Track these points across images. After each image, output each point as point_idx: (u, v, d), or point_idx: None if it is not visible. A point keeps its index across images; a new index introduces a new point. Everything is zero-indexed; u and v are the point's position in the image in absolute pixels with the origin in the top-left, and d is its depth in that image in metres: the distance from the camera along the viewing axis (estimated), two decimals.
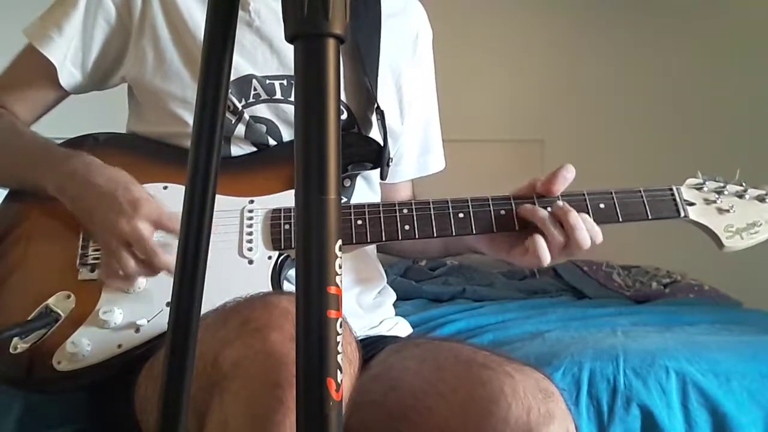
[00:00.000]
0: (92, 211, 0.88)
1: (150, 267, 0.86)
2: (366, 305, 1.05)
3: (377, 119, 1.03)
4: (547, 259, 0.89)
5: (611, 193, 0.94)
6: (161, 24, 0.98)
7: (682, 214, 0.95)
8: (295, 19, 0.41)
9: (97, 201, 0.87)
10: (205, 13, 1.01)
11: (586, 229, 0.89)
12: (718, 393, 1.23)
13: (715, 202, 0.96)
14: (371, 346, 0.95)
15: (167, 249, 0.85)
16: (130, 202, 0.85)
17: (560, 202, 0.91)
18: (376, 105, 1.02)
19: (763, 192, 0.97)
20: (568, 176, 0.93)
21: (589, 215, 0.92)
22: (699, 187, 0.97)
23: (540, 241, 0.89)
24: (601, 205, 0.93)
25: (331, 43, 0.41)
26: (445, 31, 1.40)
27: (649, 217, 0.93)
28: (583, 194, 0.94)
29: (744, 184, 0.98)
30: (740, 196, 0.97)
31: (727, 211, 0.95)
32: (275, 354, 0.66)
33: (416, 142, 1.17)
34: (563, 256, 0.91)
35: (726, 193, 0.97)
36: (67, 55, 1.00)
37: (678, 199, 0.95)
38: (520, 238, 0.94)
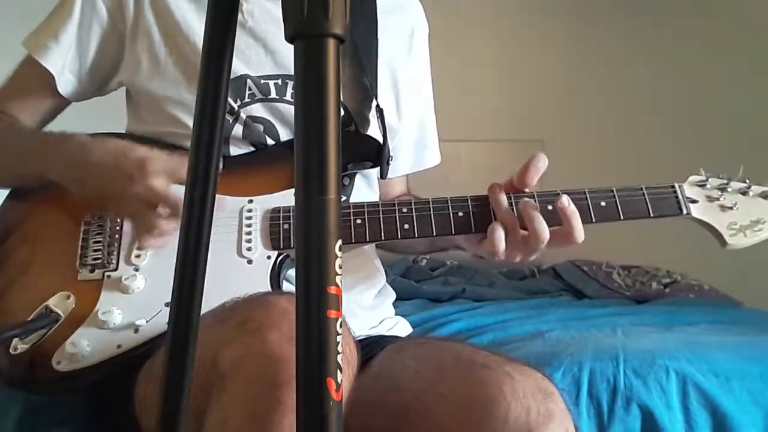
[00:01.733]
0: (100, 189, 0.88)
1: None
2: (366, 305, 1.05)
3: (377, 117, 1.03)
4: (501, 247, 0.87)
5: (612, 190, 0.92)
6: (154, 27, 0.99)
7: (685, 212, 0.93)
8: (295, 19, 0.41)
9: (101, 178, 0.87)
10: (198, 14, 1.02)
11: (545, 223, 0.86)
12: (718, 393, 1.23)
13: (718, 199, 0.94)
14: (371, 346, 0.95)
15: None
16: (135, 165, 0.85)
17: (525, 198, 0.89)
18: (375, 103, 1.02)
19: None
20: (539, 166, 0.90)
21: (590, 213, 0.91)
22: (702, 184, 0.95)
23: (497, 228, 0.88)
24: (602, 203, 0.91)
25: (331, 43, 0.41)
26: (445, 30, 1.40)
27: (651, 215, 0.92)
28: (584, 192, 0.92)
29: (748, 180, 0.96)
30: (744, 193, 0.95)
31: (731, 208, 0.94)
32: (273, 354, 0.66)
33: (412, 137, 1.17)
34: (528, 250, 0.89)
35: (729, 190, 0.95)
36: (65, 63, 1.00)
37: (680, 196, 0.94)
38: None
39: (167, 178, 0.86)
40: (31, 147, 0.97)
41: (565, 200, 0.87)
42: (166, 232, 0.88)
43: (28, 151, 0.97)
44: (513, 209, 0.89)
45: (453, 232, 0.92)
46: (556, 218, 0.88)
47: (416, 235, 0.92)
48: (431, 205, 0.93)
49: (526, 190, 0.91)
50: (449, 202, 0.93)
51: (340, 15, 0.41)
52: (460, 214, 0.92)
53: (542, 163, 0.90)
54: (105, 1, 0.99)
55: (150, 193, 0.85)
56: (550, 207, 0.89)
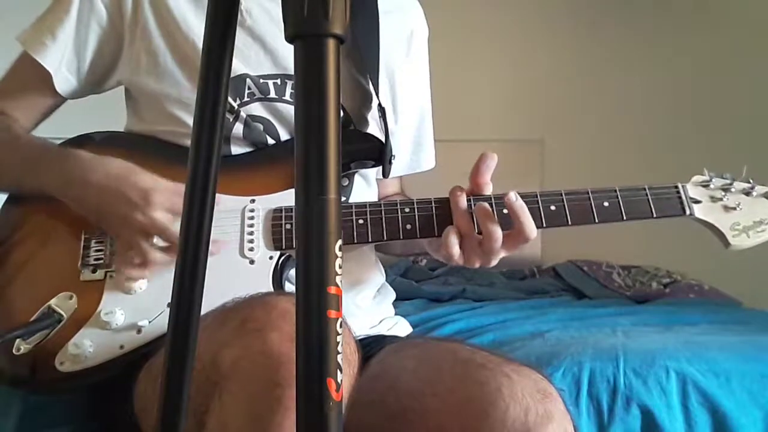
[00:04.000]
0: (99, 209, 0.88)
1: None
2: (365, 304, 1.05)
3: (379, 116, 1.03)
4: (454, 251, 0.87)
5: (615, 190, 0.92)
6: (153, 26, 0.98)
7: (688, 212, 0.93)
8: (295, 19, 0.41)
9: (101, 198, 0.87)
10: (197, 13, 1.02)
11: (500, 227, 0.87)
12: (718, 393, 1.23)
13: (721, 199, 0.94)
14: (371, 346, 0.95)
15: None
16: (139, 193, 0.86)
17: (480, 201, 0.89)
18: (378, 102, 1.02)
19: None
20: (489, 164, 0.89)
21: (593, 214, 0.91)
22: (705, 185, 0.95)
23: (450, 232, 0.88)
24: (605, 204, 0.91)
25: (331, 43, 0.41)
26: (445, 30, 1.40)
27: (654, 216, 0.91)
28: (587, 192, 0.92)
29: (751, 181, 0.96)
30: (747, 193, 0.95)
31: (734, 208, 0.93)
32: (273, 354, 0.66)
33: (409, 140, 1.16)
34: (484, 255, 0.88)
35: (733, 190, 0.94)
36: (62, 61, 1.00)
37: (684, 196, 0.93)
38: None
39: (169, 211, 0.86)
40: (28, 160, 0.96)
41: (512, 195, 0.87)
42: (151, 264, 0.87)
43: (25, 165, 0.96)
44: (471, 213, 0.89)
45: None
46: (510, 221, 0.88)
47: (419, 236, 0.92)
48: (433, 205, 0.92)
49: (485, 192, 0.91)
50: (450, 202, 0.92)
51: (340, 15, 0.41)
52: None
53: (491, 161, 0.89)
54: None
55: (151, 224, 0.85)
56: (505, 210, 0.88)
